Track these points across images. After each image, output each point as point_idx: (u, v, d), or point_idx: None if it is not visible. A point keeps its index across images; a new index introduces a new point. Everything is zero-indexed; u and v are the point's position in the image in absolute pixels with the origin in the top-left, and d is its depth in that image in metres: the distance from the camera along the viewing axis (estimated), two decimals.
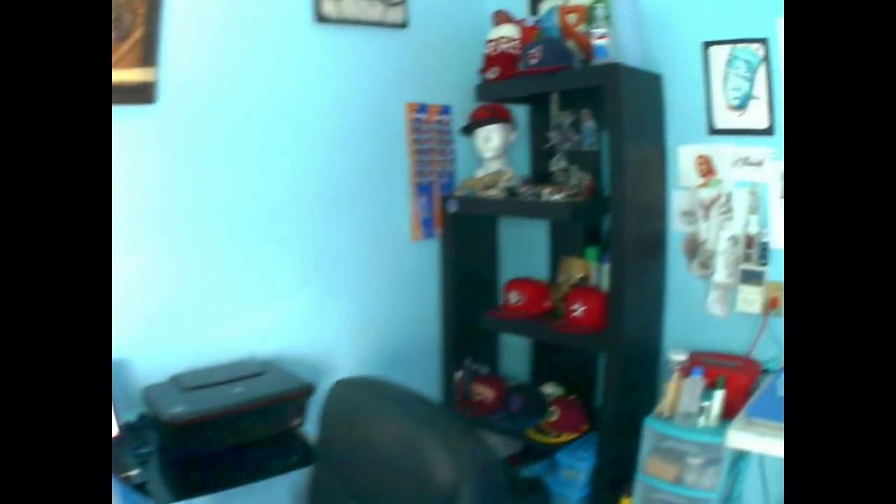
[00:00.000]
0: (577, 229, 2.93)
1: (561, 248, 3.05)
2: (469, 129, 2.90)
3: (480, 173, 2.91)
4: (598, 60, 2.49)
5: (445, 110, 3.06)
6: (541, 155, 3.05)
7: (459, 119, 3.01)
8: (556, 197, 2.58)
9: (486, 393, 2.94)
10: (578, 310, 2.60)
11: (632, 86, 2.46)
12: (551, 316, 2.76)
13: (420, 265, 3.05)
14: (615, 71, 2.40)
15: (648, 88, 2.65)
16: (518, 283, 2.89)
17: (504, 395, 2.88)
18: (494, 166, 2.90)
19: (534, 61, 2.52)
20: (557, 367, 2.98)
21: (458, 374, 2.98)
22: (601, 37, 2.48)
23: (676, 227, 2.81)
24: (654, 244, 2.76)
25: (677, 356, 2.40)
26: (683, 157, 2.96)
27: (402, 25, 2.80)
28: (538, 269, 3.11)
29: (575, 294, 2.68)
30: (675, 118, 2.77)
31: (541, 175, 2.97)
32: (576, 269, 2.88)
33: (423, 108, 2.95)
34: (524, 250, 3.21)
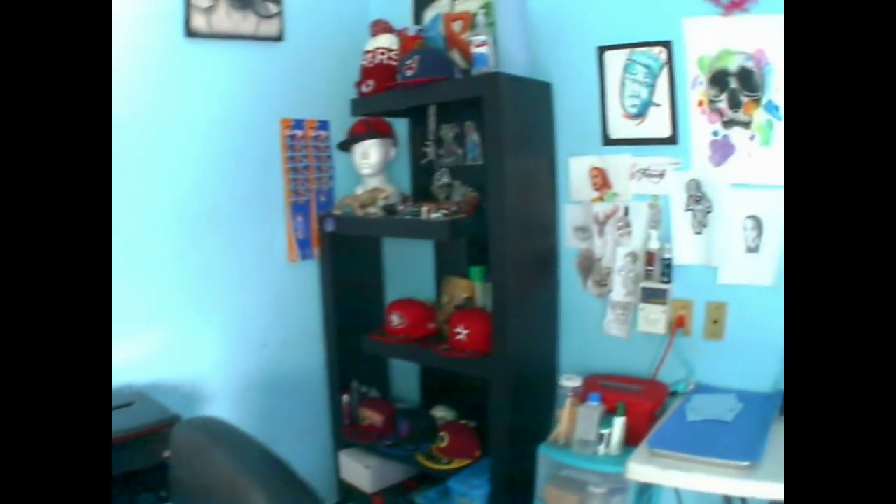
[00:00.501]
0: (461, 248, 2.81)
1: (446, 268, 2.93)
2: (346, 145, 2.80)
3: (359, 190, 2.78)
4: (478, 70, 2.36)
5: (323, 125, 2.96)
6: (422, 171, 3.08)
7: (338, 134, 2.91)
8: (436, 215, 2.44)
9: (374, 417, 2.83)
10: (462, 333, 2.46)
11: (515, 95, 2.36)
12: (436, 339, 2.63)
13: (299, 287, 2.93)
14: (494, 80, 2.28)
15: (536, 98, 2.55)
16: (400, 304, 2.75)
17: (392, 420, 2.78)
18: (373, 183, 2.79)
19: (409, 73, 2.40)
20: (449, 389, 2.87)
21: (345, 398, 2.88)
22: (481, 45, 2.35)
23: (569, 244, 2.74)
24: (543, 262, 2.66)
25: (569, 382, 2.24)
26: (575, 170, 2.80)
27: (278, 38, 2.69)
28: (425, 288, 2.98)
29: (458, 316, 2.54)
30: (566, 128, 2.67)
31: (423, 192, 2.88)
32: (460, 289, 2.77)
33: (298, 123, 2.84)
34: (410, 269, 3.07)
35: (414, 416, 2.80)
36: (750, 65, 2.30)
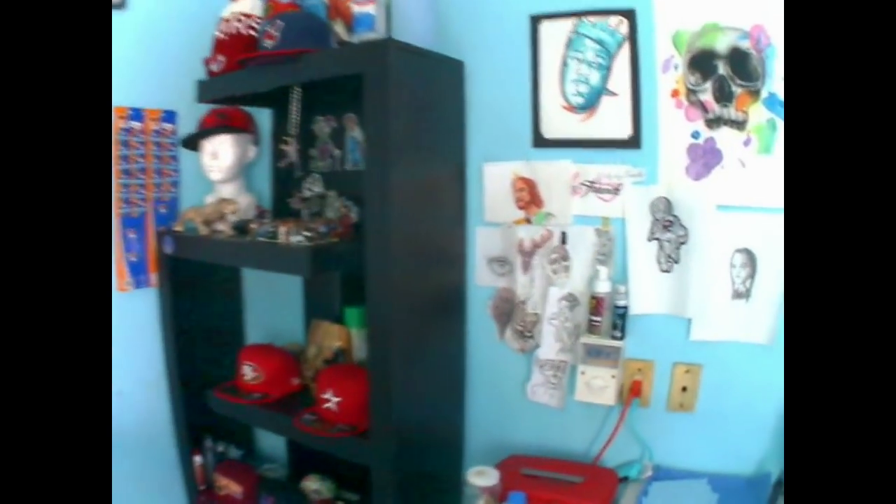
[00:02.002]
0: (334, 282, 2.31)
1: (316, 308, 2.40)
2: (192, 142, 2.23)
3: (210, 199, 2.24)
4: (360, 35, 1.77)
5: (169, 117, 2.31)
6: (284, 177, 2.40)
7: (189, 129, 2.31)
8: (296, 238, 1.85)
9: (231, 487, 2.32)
10: (331, 401, 1.90)
11: (412, 75, 1.77)
12: (302, 400, 2.09)
13: (133, 323, 2.31)
14: (382, 51, 1.67)
15: (441, 80, 1.96)
16: (254, 352, 2.20)
17: (255, 491, 2.29)
18: (226, 192, 2.24)
19: (269, 43, 1.80)
20: (326, 455, 2.09)
21: (198, 460, 2.37)
22: (365, 1, 1.72)
23: (481, 281, 2.16)
24: (444, 304, 2.10)
25: (481, 479, 1.67)
26: (493, 180, 2.13)
27: (119, 6, 2.09)
28: (296, 329, 2.46)
29: (327, 376, 1.98)
30: (482, 123, 2.08)
31: (287, 205, 2.35)
32: (331, 337, 2.23)
33: (136, 113, 2.20)
34: (277, 305, 2.55)
35: (281, 489, 2.32)
36: (745, 45, 1.70)
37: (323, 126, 2.27)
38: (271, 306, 2.56)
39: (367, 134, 1.82)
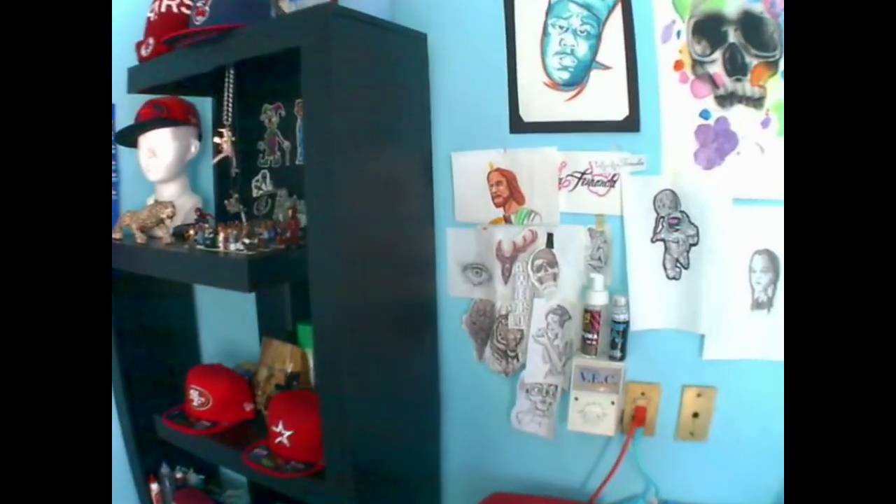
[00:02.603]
0: (285, 294, 2.06)
1: (269, 322, 2.18)
2: (127, 138, 2.00)
3: (150, 201, 2.03)
4: (300, 4, 1.57)
5: None
6: (223, 175, 2.07)
7: (129, 121, 2.04)
8: (235, 246, 1.63)
9: None
10: (283, 435, 1.71)
11: (361, 48, 1.52)
12: (255, 429, 1.91)
13: None
14: (322, 19, 1.40)
15: (400, 56, 1.71)
16: (202, 374, 2.02)
17: None
18: (167, 194, 2.04)
19: (200, 19, 1.57)
20: None
21: (154, 487, 2.21)
22: None
23: (454, 291, 1.92)
24: (410, 319, 1.85)
25: None
26: (464, 173, 1.84)
27: None
28: (250, 345, 2.24)
29: (277, 405, 1.79)
30: (450, 107, 1.82)
31: (234, 207, 1.98)
32: (282, 359, 2.04)
33: None
34: (230, 318, 2.32)
35: None
36: (758, 8, 1.41)
37: (271, 115, 2.04)
38: (225, 320, 2.36)
39: (306, 120, 1.51)
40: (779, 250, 1.50)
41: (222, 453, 1.83)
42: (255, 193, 2.09)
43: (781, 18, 1.37)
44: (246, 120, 2.09)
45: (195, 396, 1.94)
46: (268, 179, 2.03)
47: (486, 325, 1.86)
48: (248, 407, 1.98)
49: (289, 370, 1.98)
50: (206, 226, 1.80)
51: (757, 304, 1.54)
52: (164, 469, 2.22)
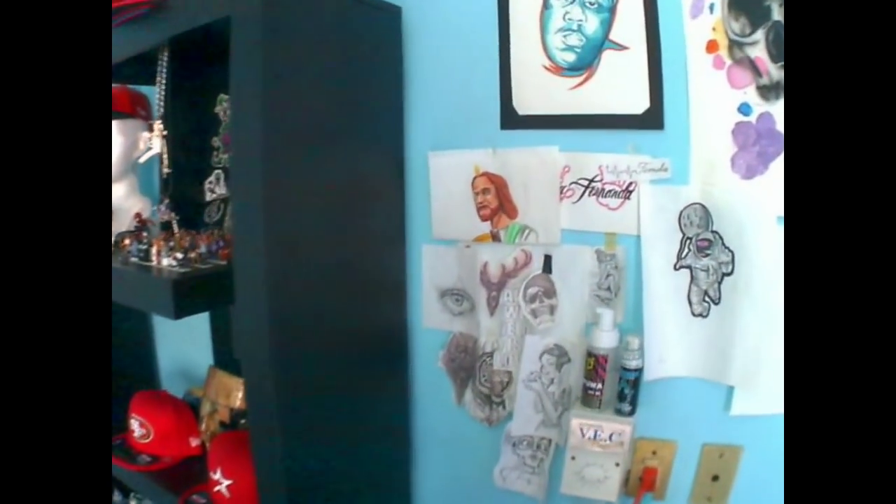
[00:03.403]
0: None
1: (221, 346, 1.96)
2: None
3: None
4: None
5: None
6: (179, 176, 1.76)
7: None
8: (167, 261, 1.36)
9: None
10: (222, 484, 1.46)
11: (312, 22, 1.23)
12: (199, 470, 1.62)
13: None
14: None
15: (367, 33, 1.39)
16: (144, 402, 1.80)
17: None
18: (114, 194, 1.80)
19: None
20: None
21: None
22: None
23: (429, 321, 1.62)
24: (375, 353, 1.54)
25: None
26: (444, 177, 1.54)
27: None
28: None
29: (218, 449, 1.54)
30: (428, 95, 1.54)
31: (187, 211, 1.72)
32: (227, 393, 1.78)
33: None
34: (189, 338, 2.08)
35: None
36: None
37: (227, 107, 1.78)
38: (182, 338, 2.15)
39: (233, 110, 1.20)
40: None
41: (160, 496, 1.60)
42: (207, 197, 1.78)
43: None
44: (198, 112, 1.78)
45: (136, 427, 1.74)
46: (221, 181, 1.80)
47: (467, 363, 1.54)
48: (195, 442, 1.75)
49: (235, 406, 1.76)
50: (145, 234, 1.53)
51: None
52: (118, 498, 2.04)
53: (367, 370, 1.51)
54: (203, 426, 1.83)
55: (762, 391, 1.26)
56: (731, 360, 1.25)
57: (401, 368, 1.62)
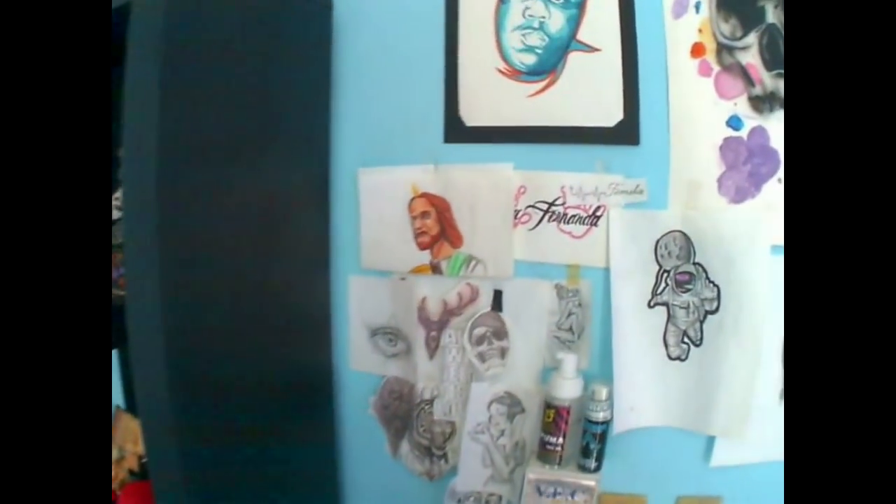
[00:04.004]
0: None
1: (129, 390, 1.66)
2: None
3: None
4: None
5: None
6: None
7: None
8: None
9: None
10: None
11: (226, 13, 1.03)
12: None
13: None
14: None
15: (289, 30, 1.19)
16: None
17: None
18: None
19: None
20: None
21: None
22: None
23: (358, 364, 1.39)
24: (294, 398, 1.30)
25: None
26: (375, 197, 1.33)
27: None
28: None
29: (128, 501, 1.29)
30: (359, 101, 1.33)
31: None
32: (135, 438, 1.50)
33: None
34: None
35: None
36: None
37: None
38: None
39: (126, 114, 0.94)
40: None
41: None
42: (115, 215, 1.49)
43: None
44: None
45: None
46: None
47: (402, 411, 1.32)
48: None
49: (143, 453, 1.44)
50: None
51: None
52: None
53: (287, 418, 1.28)
54: (114, 473, 1.56)
55: (745, 438, 1.11)
56: (713, 409, 1.09)
57: (326, 416, 1.39)
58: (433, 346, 1.26)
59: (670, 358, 1.12)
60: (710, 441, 1.13)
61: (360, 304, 1.33)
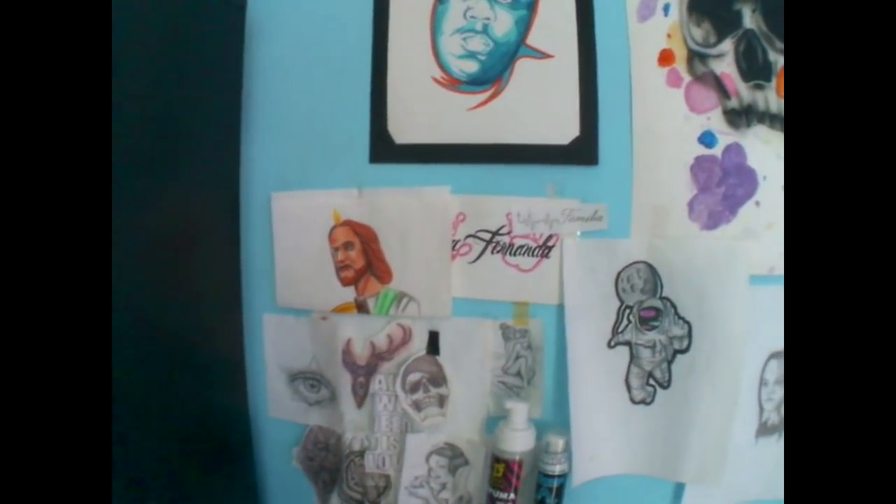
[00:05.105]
0: None
1: None
2: None
3: None
4: None
5: None
6: None
7: None
8: None
9: None
10: None
11: (116, 9, 0.58)
12: None
13: None
14: None
15: (195, 33, 0.76)
16: None
17: None
18: None
19: None
20: None
21: None
22: None
23: (277, 411, 0.94)
24: (205, 450, 0.85)
25: None
26: (292, 227, 0.89)
27: None
28: None
29: None
30: (274, 115, 0.87)
31: None
32: None
33: None
34: None
35: None
36: None
37: None
38: None
39: None
40: None
41: None
42: None
43: None
44: None
45: None
46: None
47: (329, 463, 0.90)
48: None
49: None
50: None
51: (765, 429, 0.78)
52: None
53: (203, 470, 0.84)
54: None
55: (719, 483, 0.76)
56: (684, 454, 0.74)
57: (246, 468, 0.95)
58: (361, 394, 0.84)
59: (633, 401, 0.75)
60: (679, 488, 0.78)
61: (276, 346, 0.90)
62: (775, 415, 0.76)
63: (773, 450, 0.76)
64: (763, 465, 0.76)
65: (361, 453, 0.86)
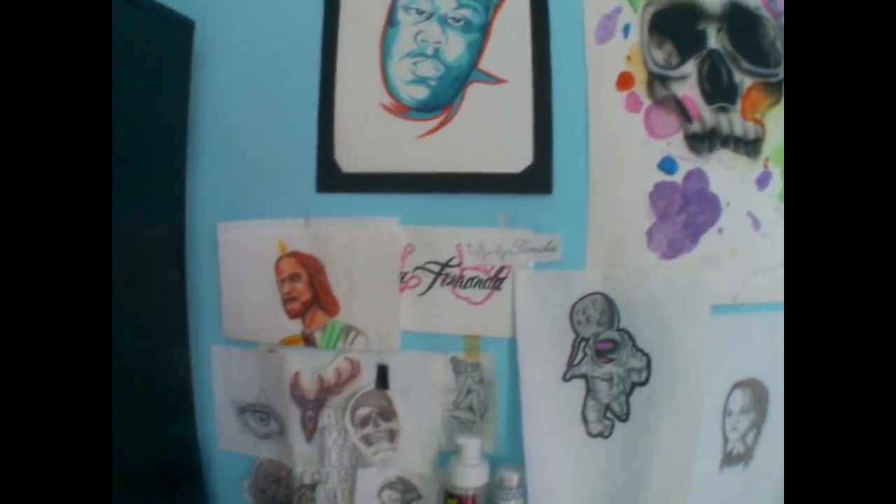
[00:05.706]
0: None
1: None
2: None
3: None
4: None
5: None
6: None
7: None
8: None
9: None
10: None
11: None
12: None
13: None
14: None
15: (140, 53, 0.60)
16: None
17: None
18: None
19: None
20: None
21: None
22: None
23: (227, 443, 0.77)
24: (156, 481, 0.70)
25: None
26: (237, 258, 0.72)
27: None
28: None
29: None
30: (221, 143, 0.70)
31: None
32: None
33: None
34: None
35: None
36: (753, 1, 0.54)
37: None
38: None
39: None
40: (770, 378, 0.64)
41: None
42: None
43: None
44: None
45: None
46: None
47: (281, 496, 0.75)
48: None
49: None
50: None
51: (729, 459, 0.66)
52: None
53: (149, 502, 0.64)
54: None
55: None
56: (645, 488, 0.62)
57: (195, 500, 0.78)
58: (310, 427, 0.69)
59: (591, 435, 0.61)
60: None
61: (224, 378, 0.74)
62: (740, 444, 0.64)
63: (739, 479, 0.64)
64: (728, 495, 0.64)
65: (313, 487, 0.70)
